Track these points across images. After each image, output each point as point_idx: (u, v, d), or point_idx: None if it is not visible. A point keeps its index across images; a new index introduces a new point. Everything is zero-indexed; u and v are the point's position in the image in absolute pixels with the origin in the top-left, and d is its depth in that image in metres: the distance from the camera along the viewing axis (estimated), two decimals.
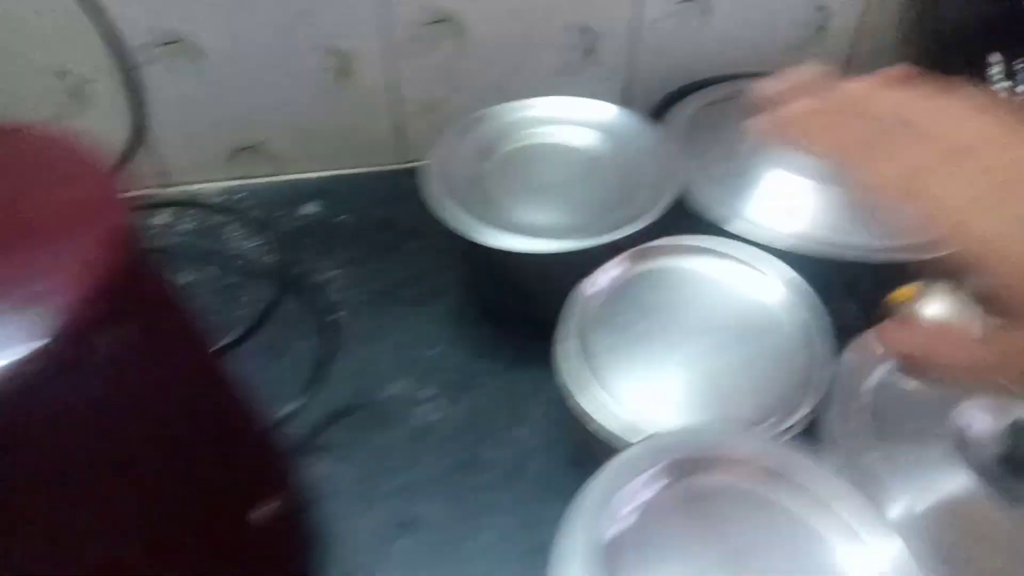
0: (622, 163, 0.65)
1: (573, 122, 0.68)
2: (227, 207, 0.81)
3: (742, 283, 0.56)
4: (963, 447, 0.46)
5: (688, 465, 0.41)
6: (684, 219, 0.62)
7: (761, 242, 0.58)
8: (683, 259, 0.57)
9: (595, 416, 0.48)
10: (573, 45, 0.79)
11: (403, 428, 0.60)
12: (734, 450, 0.42)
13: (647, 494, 0.40)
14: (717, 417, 0.48)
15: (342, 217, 0.80)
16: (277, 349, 0.66)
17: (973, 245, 0.29)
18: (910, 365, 0.33)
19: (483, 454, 0.58)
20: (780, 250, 0.58)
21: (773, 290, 0.55)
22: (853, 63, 0.86)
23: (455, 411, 0.61)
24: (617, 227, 0.57)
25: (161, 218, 0.80)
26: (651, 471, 0.41)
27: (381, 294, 0.71)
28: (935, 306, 0.52)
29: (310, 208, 0.81)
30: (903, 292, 0.53)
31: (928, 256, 0.57)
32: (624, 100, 0.85)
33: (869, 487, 0.44)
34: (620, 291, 0.55)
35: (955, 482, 0.45)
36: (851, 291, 0.63)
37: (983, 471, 0.45)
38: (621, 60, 0.82)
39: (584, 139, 0.67)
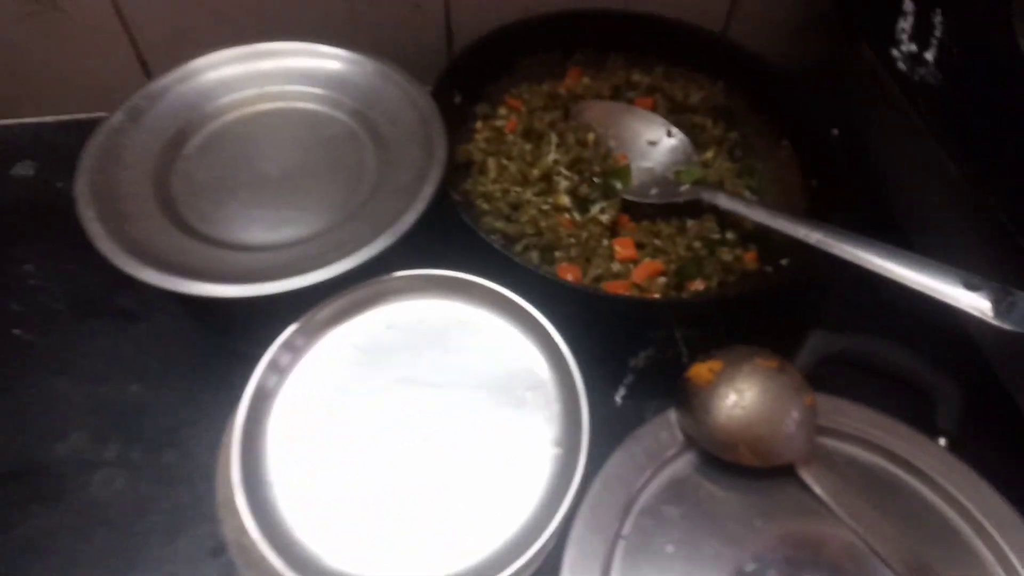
0: (378, 146, 0.48)
1: (313, 80, 0.50)
2: None
3: (491, 344, 0.41)
4: None
5: None
6: (446, 234, 0.46)
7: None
8: (421, 303, 0.42)
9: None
10: None
11: (72, 504, 0.45)
12: None
13: None
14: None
15: (63, 183, 0.61)
16: None
17: None
18: None
19: (151, 553, 0.44)
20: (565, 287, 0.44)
21: (536, 361, 0.41)
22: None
23: (144, 479, 0.47)
24: (357, 243, 0.41)
25: None
26: None
27: (85, 301, 0.54)
28: (748, 388, 0.38)
29: (22, 169, 0.62)
30: (704, 369, 0.39)
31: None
32: (447, 42, 0.66)
33: None
34: (317, 362, 0.40)
35: None
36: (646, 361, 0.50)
37: None
38: None
39: (332, 107, 0.49)
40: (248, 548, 0.35)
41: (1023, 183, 0.44)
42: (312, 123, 0.49)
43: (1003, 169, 0.46)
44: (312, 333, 0.40)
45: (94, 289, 0.55)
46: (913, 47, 0.53)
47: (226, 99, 0.49)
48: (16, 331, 0.53)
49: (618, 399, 0.51)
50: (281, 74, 0.50)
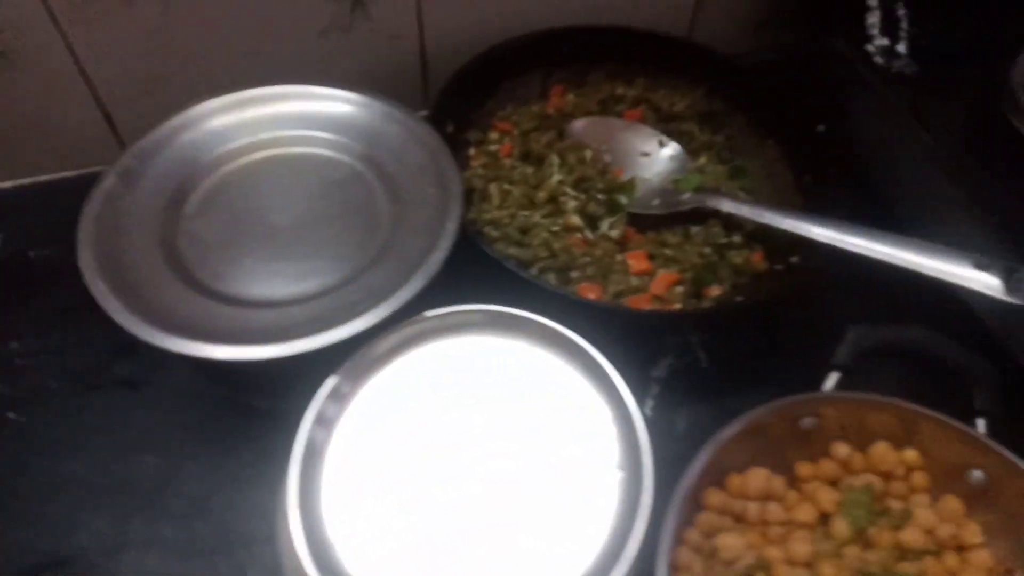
0: (388, 186, 0.47)
1: (309, 123, 0.48)
2: None
3: (534, 374, 0.41)
4: None
5: None
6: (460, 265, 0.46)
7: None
8: (457, 341, 0.41)
9: None
10: None
11: None
12: None
13: None
14: None
15: (36, 252, 0.58)
16: None
17: None
18: None
19: None
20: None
21: (582, 387, 0.41)
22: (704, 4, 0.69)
23: (170, 559, 0.44)
24: (387, 288, 0.41)
25: None
26: None
27: (83, 374, 0.51)
28: None
29: None
30: None
31: None
32: (421, 70, 0.65)
33: None
34: (363, 410, 0.39)
35: None
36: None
37: None
38: (408, 7, 0.61)
39: (334, 149, 0.48)
40: None
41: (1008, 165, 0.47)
42: (314, 168, 0.47)
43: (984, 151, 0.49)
44: (355, 380, 0.39)
45: (89, 360, 0.52)
46: (885, 41, 0.56)
47: (220, 150, 0.47)
48: (10, 415, 0.49)
49: (647, 411, 0.51)
50: (273, 119, 0.48)
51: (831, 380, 0.43)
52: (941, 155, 0.51)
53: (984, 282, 0.43)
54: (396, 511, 0.36)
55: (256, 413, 0.48)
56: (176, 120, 0.46)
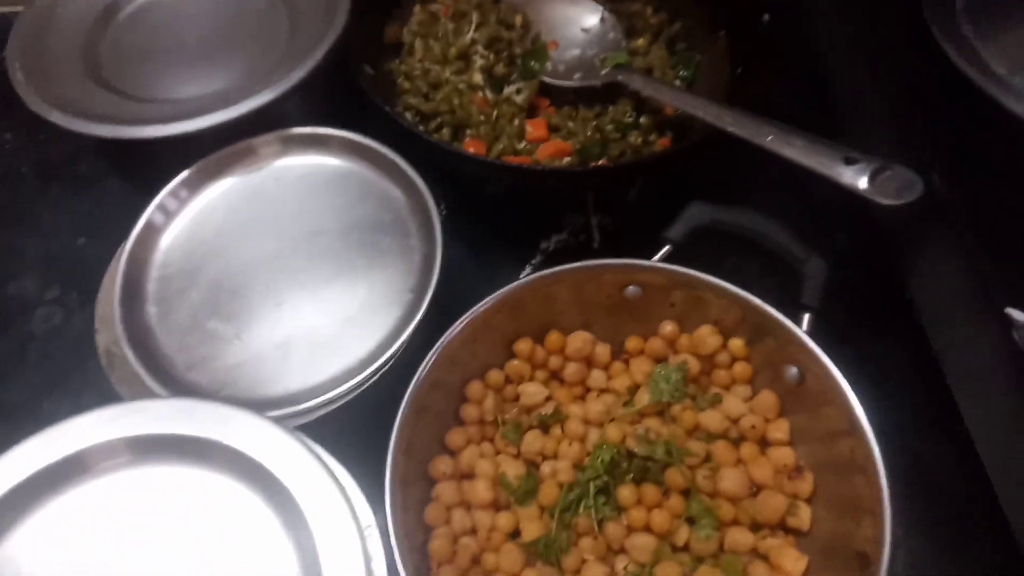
0: (293, 19, 0.49)
1: None
2: None
3: (367, 198, 0.43)
4: None
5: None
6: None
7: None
8: (302, 158, 0.45)
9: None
10: None
11: (13, 333, 0.51)
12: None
13: None
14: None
15: None
16: None
17: None
18: None
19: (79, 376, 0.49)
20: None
21: (408, 216, 0.43)
22: None
23: (78, 318, 0.52)
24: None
25: None
26: None
27: (50, 167, 0.60)
28: None
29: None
30: None
31: None
32: None
33: None
34: (204, 206, 0.43)
35: None
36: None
37: None
38: None
39: None
40: (117, 356, 0.39)
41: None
42: None
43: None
44: (199, 182, 0.43)
45: (58, 157, 0.60)
46: None
47: None
48: None
49: (521, 277, 0.52)
50: None
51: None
52: (876, 60, 0.47)
53: (850, 178, 0.41)
54: (211, 294, 0.41)
55: None
56: None
